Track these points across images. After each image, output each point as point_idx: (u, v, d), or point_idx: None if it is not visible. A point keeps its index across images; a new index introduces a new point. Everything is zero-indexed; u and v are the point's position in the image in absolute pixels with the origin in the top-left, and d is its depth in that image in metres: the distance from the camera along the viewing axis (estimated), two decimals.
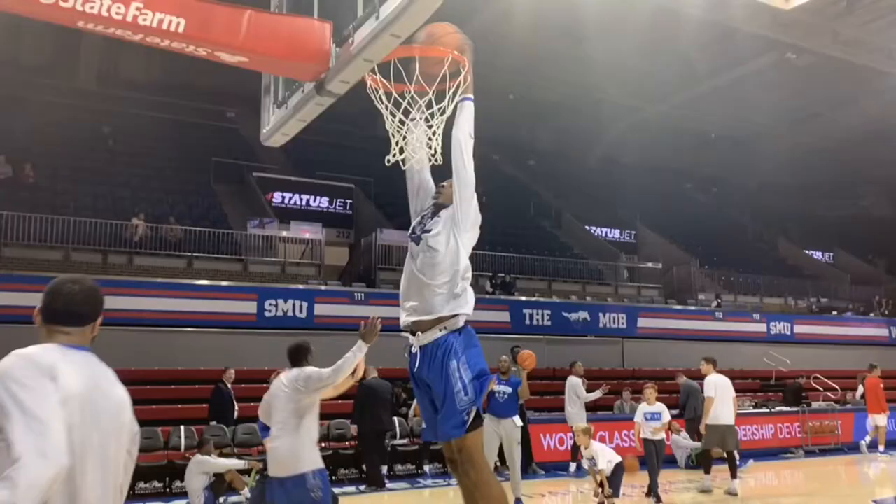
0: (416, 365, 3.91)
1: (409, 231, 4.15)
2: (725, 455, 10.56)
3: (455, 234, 3.93)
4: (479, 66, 4.22)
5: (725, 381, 10.47)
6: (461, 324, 3.89)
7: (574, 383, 12.57)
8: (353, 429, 11.74)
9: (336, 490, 8.65)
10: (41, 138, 20.25)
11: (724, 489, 10.53)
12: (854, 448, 15.75)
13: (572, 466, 12.25)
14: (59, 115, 22.01)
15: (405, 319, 3.96)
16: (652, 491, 9.46)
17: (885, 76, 23.65)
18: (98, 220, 16.49)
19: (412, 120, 4.11)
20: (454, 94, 4.04)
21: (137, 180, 20.92)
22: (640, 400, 14.28)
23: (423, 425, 4.50)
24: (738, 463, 10.78)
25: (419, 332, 3.89)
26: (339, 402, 9.51)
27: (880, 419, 14.84)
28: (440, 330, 3.83)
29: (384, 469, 11.67)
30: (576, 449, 12.35)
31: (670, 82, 26.53)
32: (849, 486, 13.15)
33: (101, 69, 25.16)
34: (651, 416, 9.65)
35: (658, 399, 10.05)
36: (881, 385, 15.25)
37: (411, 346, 3.95)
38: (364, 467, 11.39)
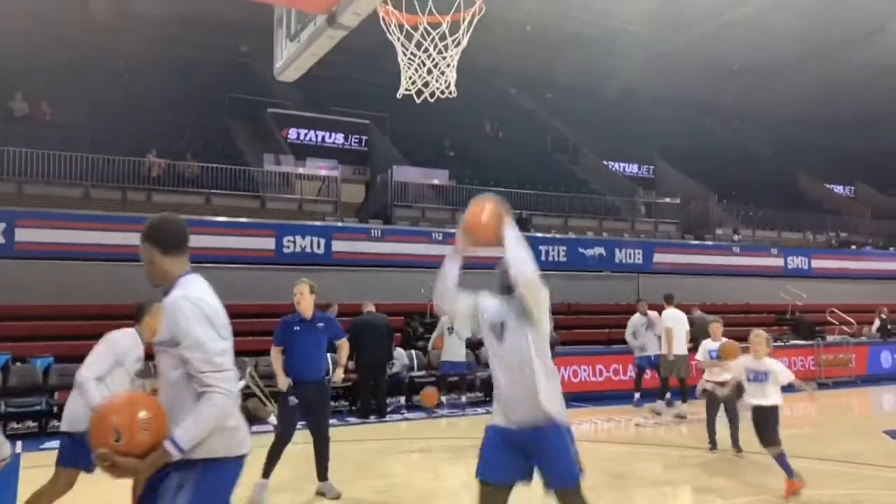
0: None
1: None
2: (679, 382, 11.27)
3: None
4: None
5: (681, 315, 11.51)
6: None
7: (635, 322, 12.61)
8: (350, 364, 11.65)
9: (335, 422, 9.50)
10: (56, 75, 20.17)
11: (674, 413, 10.99)
12: (868, 381, 15.89)
13: (636, 396, 12.49)
14: (72, 52, 21.89)
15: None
16: (733, 442, 8.01)
17: None
18: (115, 158, 16.56)
19: (425, 52, 4.05)
20: (468, 25, 3.97)
21: (153, 116, 20.88)
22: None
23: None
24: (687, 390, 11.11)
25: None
26: None
27: None
28: None
29: (402, 400, 12.39)
30: (640, 378, 12.60)
31: (692, 12, 25.78)
32: (860, 417, 13.30)
33: (114, 4, 24.88)
34: (717, 354, 7.79)
35: None
36: None
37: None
38: (373, 400, 11.47)
